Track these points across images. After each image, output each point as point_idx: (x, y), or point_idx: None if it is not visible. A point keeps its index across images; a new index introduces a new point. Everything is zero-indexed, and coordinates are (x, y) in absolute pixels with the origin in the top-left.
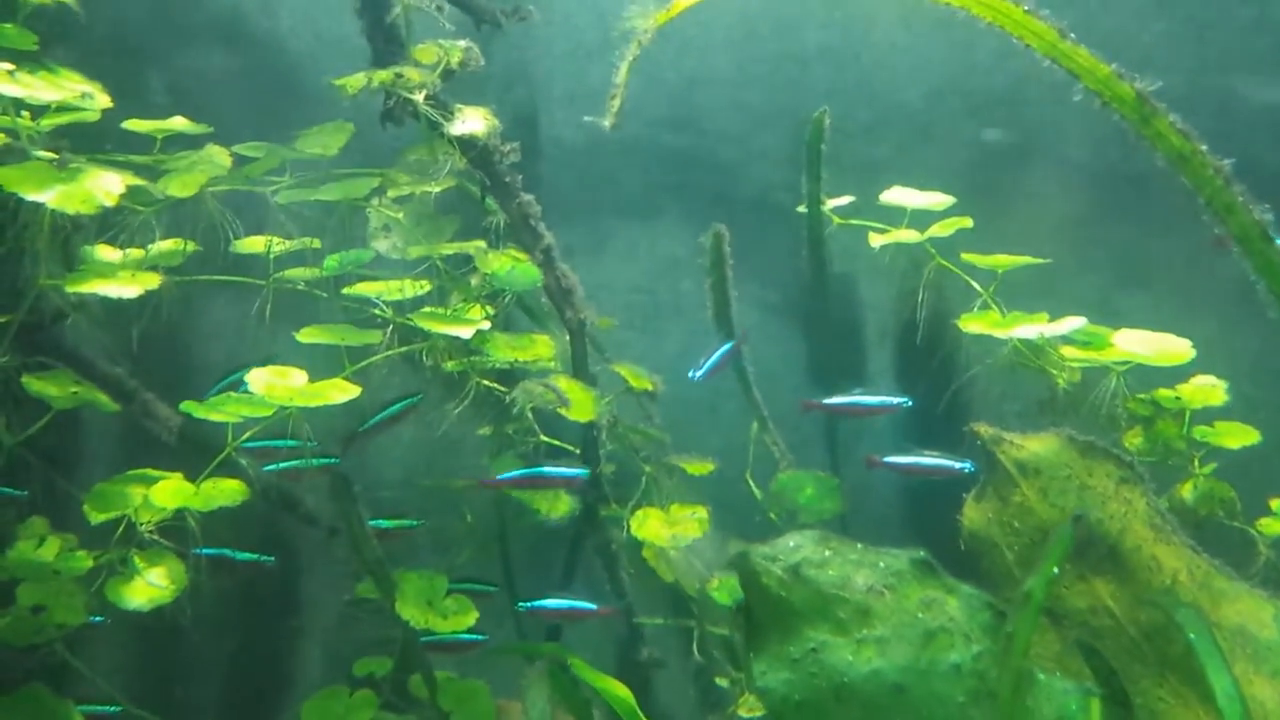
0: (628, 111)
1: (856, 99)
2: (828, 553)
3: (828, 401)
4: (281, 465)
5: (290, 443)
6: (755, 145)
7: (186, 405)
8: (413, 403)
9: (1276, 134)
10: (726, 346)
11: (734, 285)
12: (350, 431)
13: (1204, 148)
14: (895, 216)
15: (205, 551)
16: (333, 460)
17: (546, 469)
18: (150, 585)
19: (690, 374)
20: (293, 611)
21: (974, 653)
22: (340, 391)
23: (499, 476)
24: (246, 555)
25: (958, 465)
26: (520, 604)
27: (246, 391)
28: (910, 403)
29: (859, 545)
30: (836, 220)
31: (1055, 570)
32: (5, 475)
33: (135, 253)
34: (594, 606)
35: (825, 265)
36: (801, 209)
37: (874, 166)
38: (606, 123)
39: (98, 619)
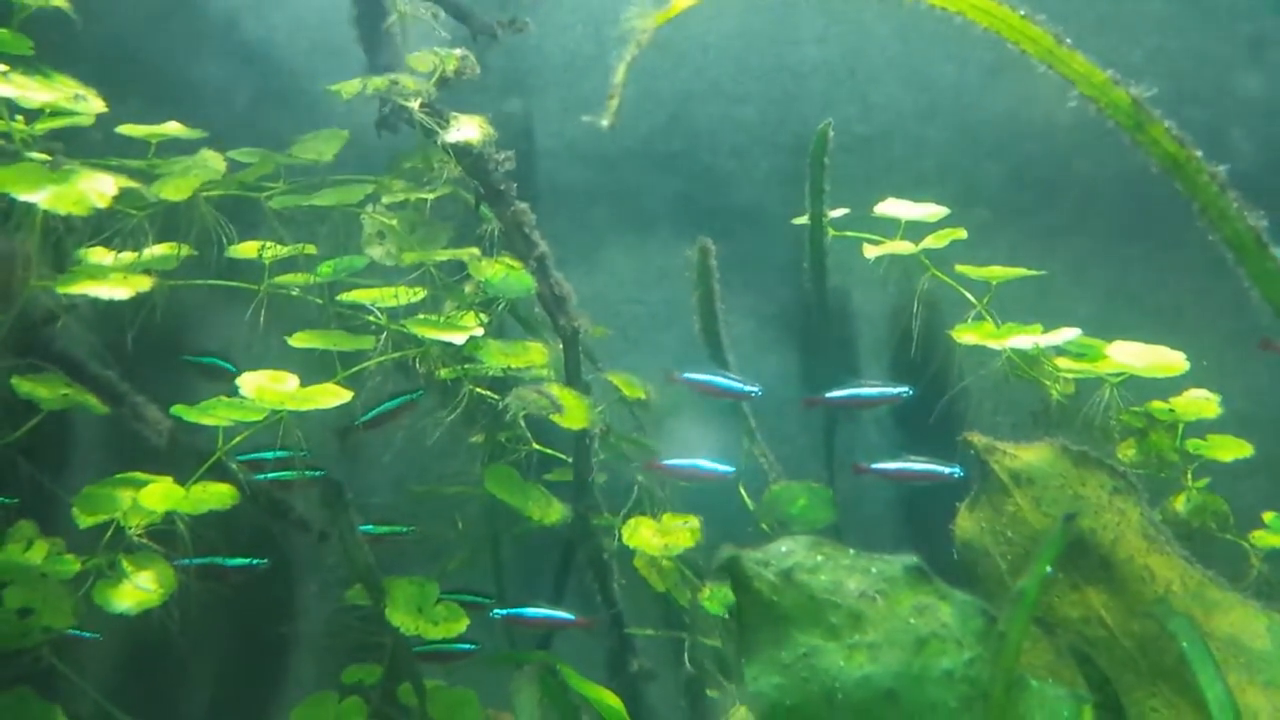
0: (623, 123)
1: (851, 113)
2: (820, 558)
3: (829, 395)
4: (272, 475)
5: (282, 453)
6: (750, 157)
7: (178, 409)
8: (412, 398)
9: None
10: (730, 384)
11: (728, 296)
12: (347, 424)
13: (1199, 154)
14: (889, 229)
15: (194, 561)
16: (320, 473)
17: (703, 463)
18: (138, 589)
19: (680, 374)
20: (282, 617)
21: (966, 659)
22: (332, 396)
23: (663, 462)
24: (238, 561)
25: (946, 470)
26: (496, 611)
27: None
28: (911, 391)
29: (851, 551)
30: (832, 232)
31: (1048, 570)
32: None
33: (127, 256)
34: (572, 617)
35: (826, 277)
36: (799, 220)
37: (869, 179)
38: (605, 122)
39: (92, 635)
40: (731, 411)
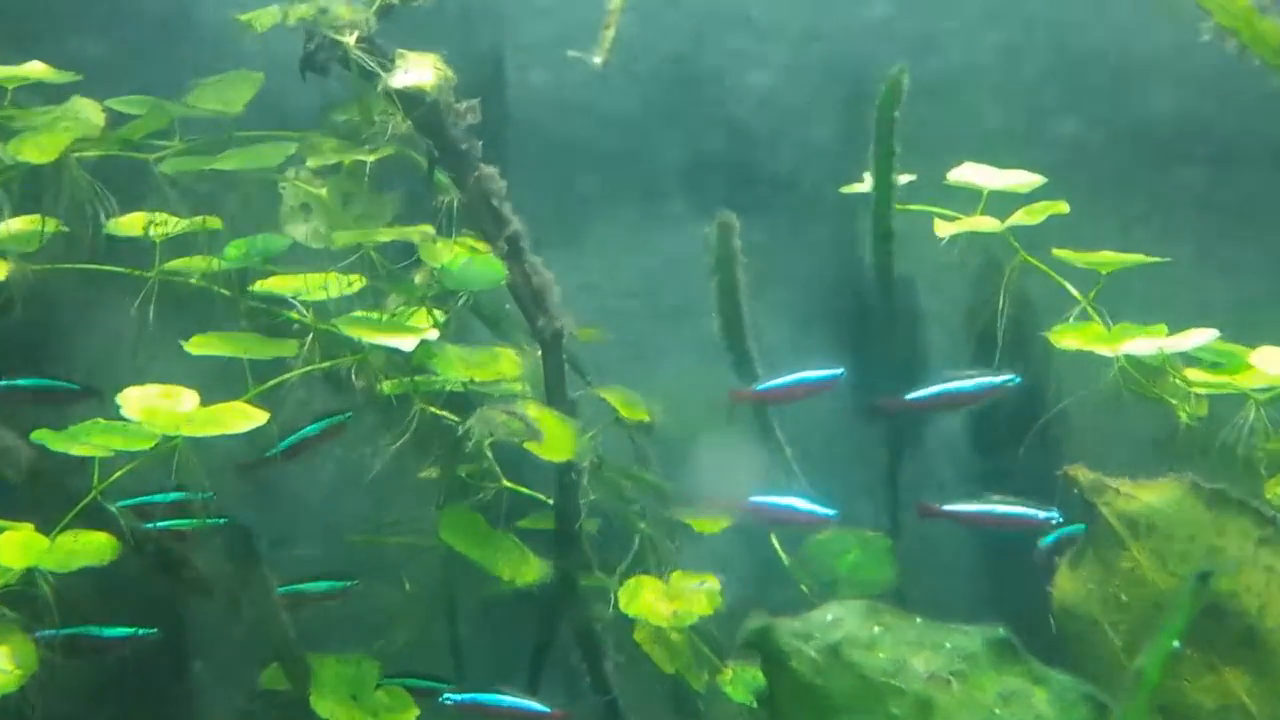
0: (620, 62)
1: (920, 51)
2: (877, 629)
3: (910, 397)
4: (164, 524)
5: (173, 496)
6: (786, 110)
7: (40, 434)
8: (338, 422)
9: None
10: (810, 377)
11: (756, 287)
12: (253, 458)
13: None
14: (967, 202)
15: (62, 632)
16: (226, 520)
17: (798, 503)
18: None
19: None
20: (177, 706)
21: None
22: (241, 418)
23: (750, 501)
24: (118, 631)
25: (1041, 515)
26: (446, 696)
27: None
28: (1018, 380)
29: (918, 620)
30: (897, 205)
31: (1175, 645)
32: None
33: None
34: (547, 709)
35: (892, 264)
36: (853, 189)
37: (940, 137)
38: (596, 60)
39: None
40: (761, 437)
